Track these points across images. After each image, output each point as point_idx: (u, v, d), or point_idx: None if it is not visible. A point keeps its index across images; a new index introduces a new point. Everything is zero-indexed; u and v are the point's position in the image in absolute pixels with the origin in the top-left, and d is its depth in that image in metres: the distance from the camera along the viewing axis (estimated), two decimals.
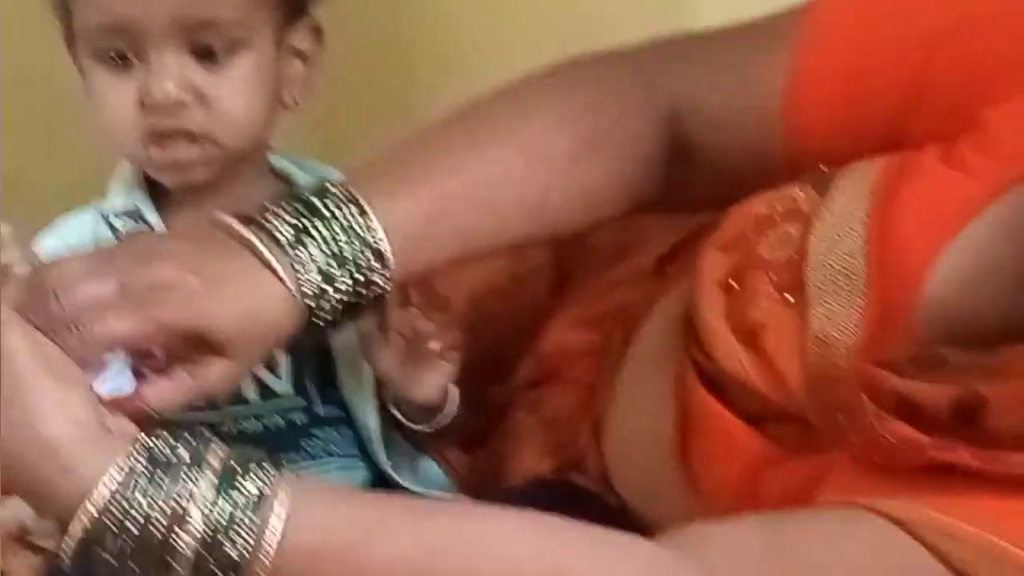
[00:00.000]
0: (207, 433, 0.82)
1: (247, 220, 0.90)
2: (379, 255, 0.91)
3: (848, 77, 0.97)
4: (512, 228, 0.98)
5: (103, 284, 0.85)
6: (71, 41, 1.06)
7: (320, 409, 1.08)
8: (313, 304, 0.89)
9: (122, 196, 1.09)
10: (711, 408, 0.95)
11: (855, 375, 0.87)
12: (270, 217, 0.90)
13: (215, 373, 0.88)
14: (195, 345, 0.87)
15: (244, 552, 0.77)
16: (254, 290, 0.88)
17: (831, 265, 0.91)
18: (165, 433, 0.81)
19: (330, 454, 1.08)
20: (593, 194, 1.00)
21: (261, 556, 0.77)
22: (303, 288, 0.88)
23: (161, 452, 0.79)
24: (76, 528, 0.77)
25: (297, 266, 0.88)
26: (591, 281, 1.16)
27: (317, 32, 1.08)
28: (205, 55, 1.01)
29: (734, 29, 1.03)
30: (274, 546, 0.77)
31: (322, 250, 0.89)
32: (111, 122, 1.04)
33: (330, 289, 0.89)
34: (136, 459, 0.78)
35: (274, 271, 0.88)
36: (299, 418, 1.07)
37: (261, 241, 0.88)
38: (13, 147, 2.00)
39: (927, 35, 0.95)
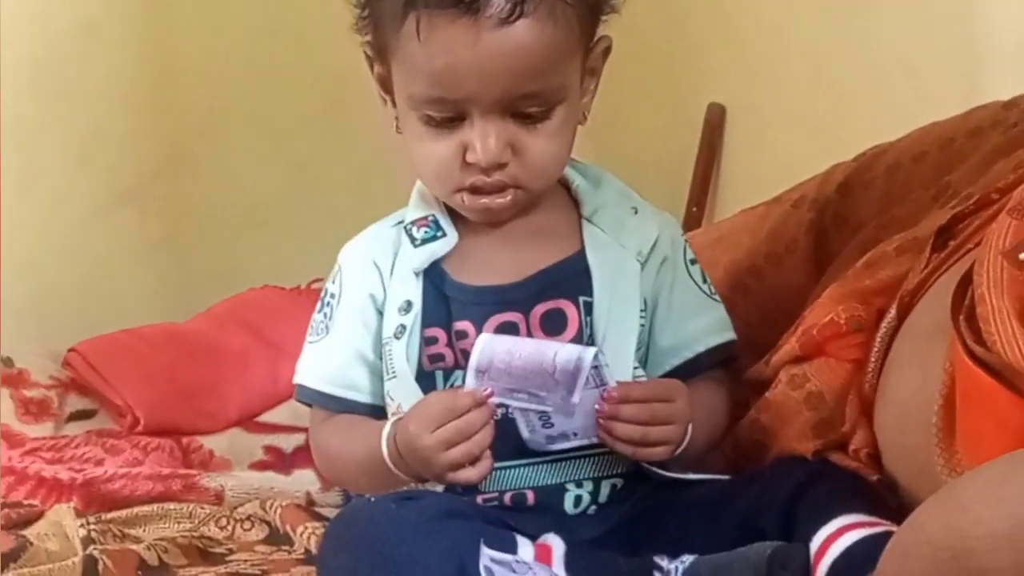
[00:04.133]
0: None
1: None
2: None
3: None
4: None
5: None
6: (385, 84, 1.07)
7: None
8: None
9: (421, 208, 1.11)
10: (982, 384, 0.92)
11: None
12: None
13: None
14: None
15: None
16: None
17: None
18: None
19: None
20: None
21: None
22: None
23: None
24: None
25: None
26: (856, 256, 1.15)
27: (608, 48, 1.08)
28: (524, 116, 1.03)
29: None
30: None
31: None
32: (429, 171, 1.07)
33: None
34: None
35: None
36: None
37: None
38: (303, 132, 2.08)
39: None
